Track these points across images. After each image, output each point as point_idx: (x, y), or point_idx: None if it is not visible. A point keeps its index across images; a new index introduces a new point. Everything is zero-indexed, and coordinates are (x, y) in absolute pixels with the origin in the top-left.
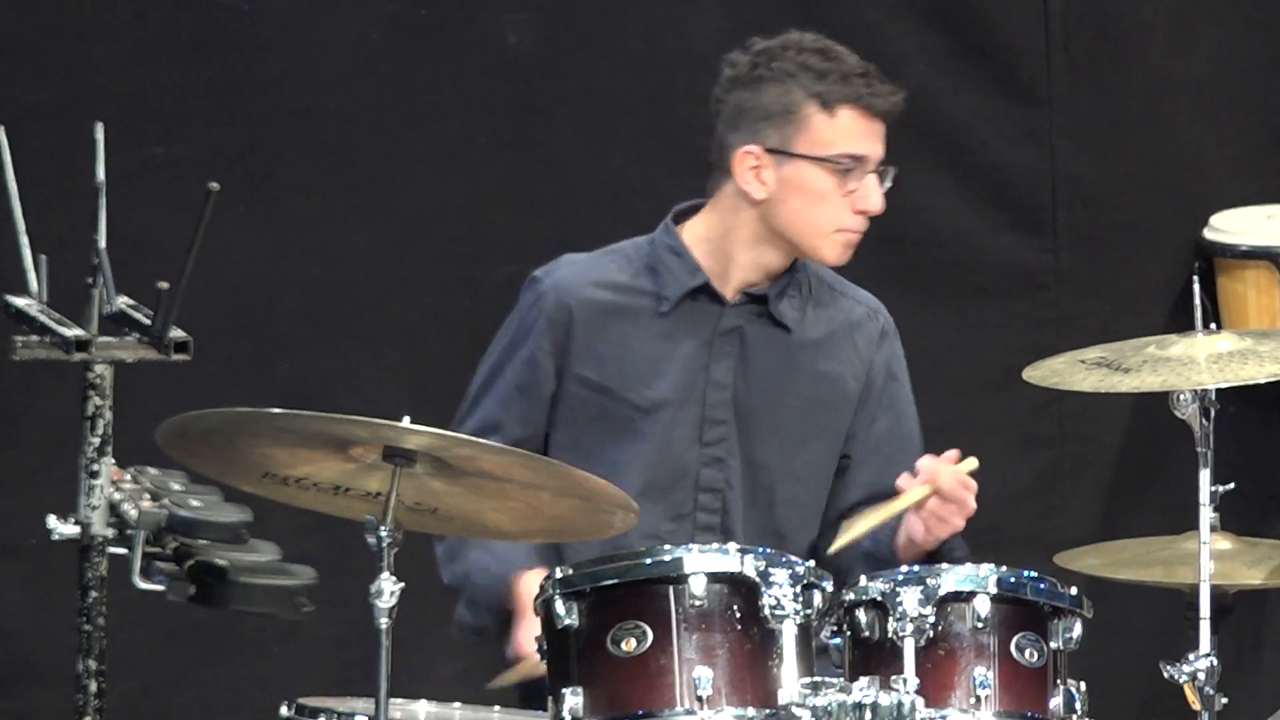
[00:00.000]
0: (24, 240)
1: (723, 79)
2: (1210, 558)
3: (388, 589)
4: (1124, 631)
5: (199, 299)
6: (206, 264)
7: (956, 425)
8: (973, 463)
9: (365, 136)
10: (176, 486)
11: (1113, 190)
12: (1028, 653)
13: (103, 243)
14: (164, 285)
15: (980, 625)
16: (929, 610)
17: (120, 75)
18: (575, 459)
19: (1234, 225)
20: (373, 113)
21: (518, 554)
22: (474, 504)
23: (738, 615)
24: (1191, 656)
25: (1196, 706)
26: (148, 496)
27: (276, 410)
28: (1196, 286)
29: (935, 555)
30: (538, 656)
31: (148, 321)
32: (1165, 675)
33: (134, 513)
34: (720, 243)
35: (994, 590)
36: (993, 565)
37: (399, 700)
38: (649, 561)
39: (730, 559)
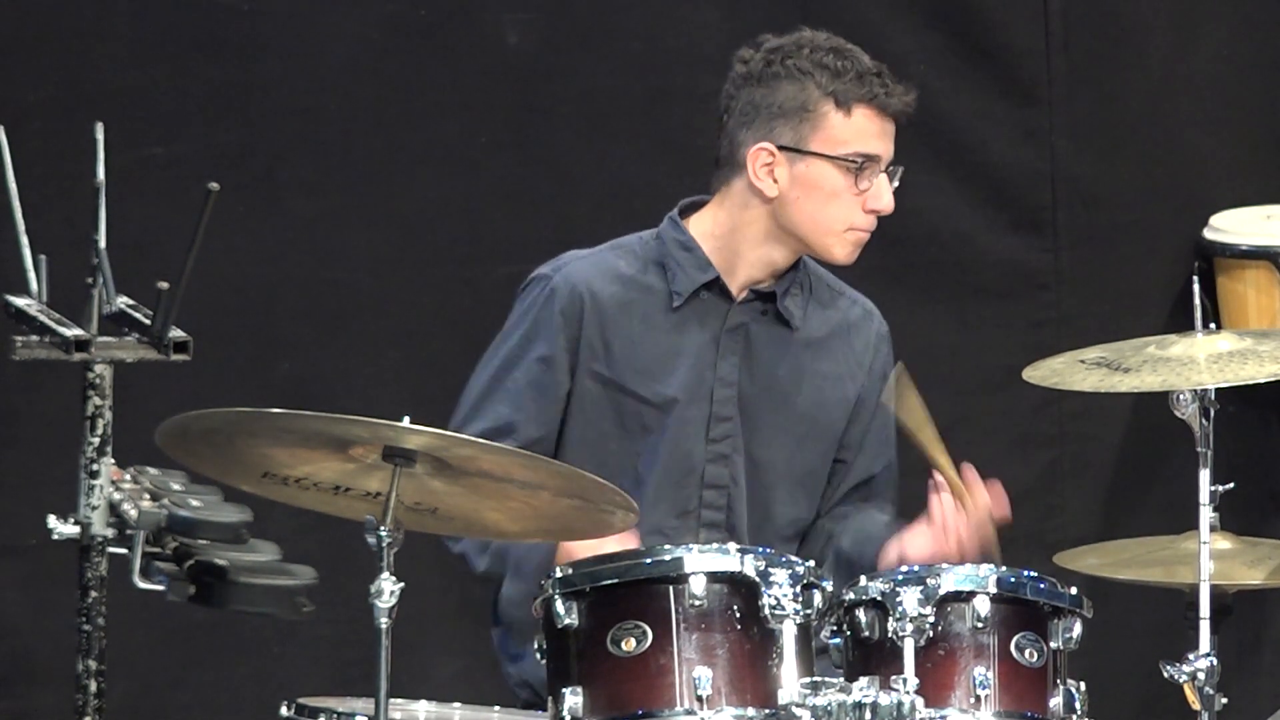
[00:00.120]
0: (24, 240)
1: (733, 75)
2: (1210, 558)
3: (388, 589)
4: (1124, 631)
5: (199, 299)
6: (206, 264)
7: (956, 425)
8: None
9: (365, 136)
10: (176, 486)
11: (1113, 190)
12: (1028, 653)
13: (103, 243)
14: (164, 285)
15: (980, 625)
16: (929, 610)
17: (120, 75)
18: (586, 454)
19: (1234, 225)
20: (373, 113)
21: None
22: (474, 504)
23: (738, 615)
24: (1191, 656)
25: (1196, 706)
26: (148, 496)
27: (276, 410)
28: (1196, 286)
29: None
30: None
31: (148, 321)
32: (1165, 675)
33: (134, 513)
34: (728, 239)
35: (994, 590)
36: (992, 565)
37: (399, 700)
38: (649, 561)
39: (730, 559)
